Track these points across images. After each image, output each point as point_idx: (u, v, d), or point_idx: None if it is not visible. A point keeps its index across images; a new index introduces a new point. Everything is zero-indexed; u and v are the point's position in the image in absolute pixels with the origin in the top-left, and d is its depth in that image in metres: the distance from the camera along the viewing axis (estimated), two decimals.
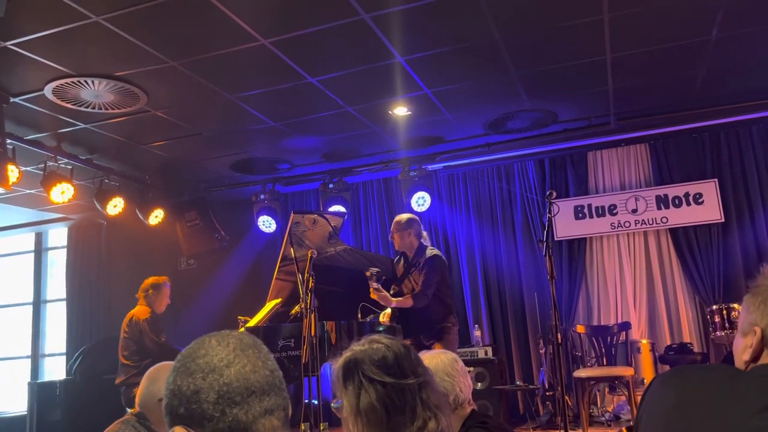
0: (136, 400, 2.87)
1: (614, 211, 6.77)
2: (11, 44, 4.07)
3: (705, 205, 6.50)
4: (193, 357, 1.10)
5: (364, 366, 1.53)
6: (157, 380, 2.70)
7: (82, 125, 5.54)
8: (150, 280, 5.91)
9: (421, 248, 5.04)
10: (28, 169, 6.06)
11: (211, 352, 1.09)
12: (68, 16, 3.78)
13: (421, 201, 6.83)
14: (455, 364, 2.25)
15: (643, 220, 6.70)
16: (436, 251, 5.06)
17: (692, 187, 6.57)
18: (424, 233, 5.16)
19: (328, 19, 4.03)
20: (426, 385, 1.54)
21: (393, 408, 1.48)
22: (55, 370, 8.68)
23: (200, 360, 1.08)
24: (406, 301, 4.84)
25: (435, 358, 2.25)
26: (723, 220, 6.45)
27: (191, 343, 1.13)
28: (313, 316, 4.32)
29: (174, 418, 1.08)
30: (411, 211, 7.07)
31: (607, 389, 6.23)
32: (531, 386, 6.56)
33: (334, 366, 1.59)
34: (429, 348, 4.72)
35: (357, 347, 1.59)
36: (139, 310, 5.79)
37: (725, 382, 1.24)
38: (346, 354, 1.59)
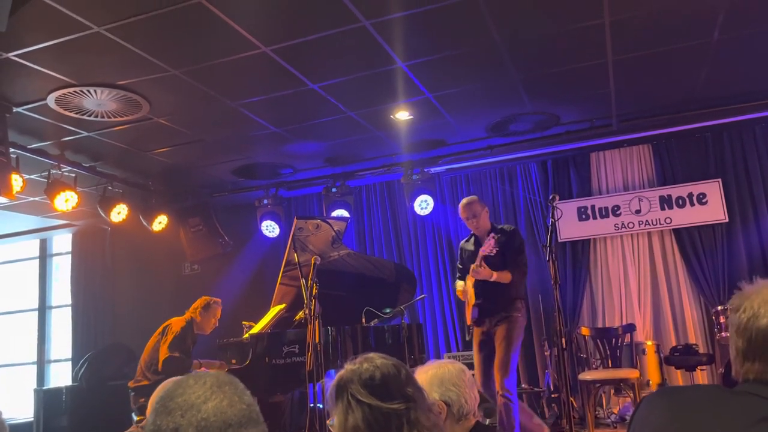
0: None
1: (618, 212, 6.76)
2: (13, 55, 4.09)
3: (709, 205, 6.49)
4: (172, 396, 1.14)
5: (352, 386, 1.58)
6: None
7: (85, 133, 5.55)
8: (201, 299, 5.63)
9: (492, 226, 4.89)
10: (32, 177, 6.09)
11: (188, 390, 1.13)
12: (70, 27, 3.79)
13: (424, 204, 6.82)
14: (462, 374, 2.24)
15: (646, 220, 6.68)
16: (512, 226, 4.97)
17: (696, 188, 6.55)
18: None
19: (328, 26, 4.04)
20: (415, 406, 1.57)
21: (378, 429, 1.53)
22: (61, 375, 8.71)
23: (178, 399, 1.12)
24: (505, 276, 4.60)
25: (442, 368, 2.25)
26: (727, 220, 6.43)
27: (169, 385, 1.18)
28: (317, 322, 4.33)
29: None
30: (414, 213, 7.08)
31: (612, 391, 6.23)
32: (536, 389, 6.56)
33: (332, 384, 1.63)
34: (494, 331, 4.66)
35: (349, 366, 1.64)
36: (177, 320, 5.48)
37: (713, 401, 1.25)
38: (340, 373, 1.64)
